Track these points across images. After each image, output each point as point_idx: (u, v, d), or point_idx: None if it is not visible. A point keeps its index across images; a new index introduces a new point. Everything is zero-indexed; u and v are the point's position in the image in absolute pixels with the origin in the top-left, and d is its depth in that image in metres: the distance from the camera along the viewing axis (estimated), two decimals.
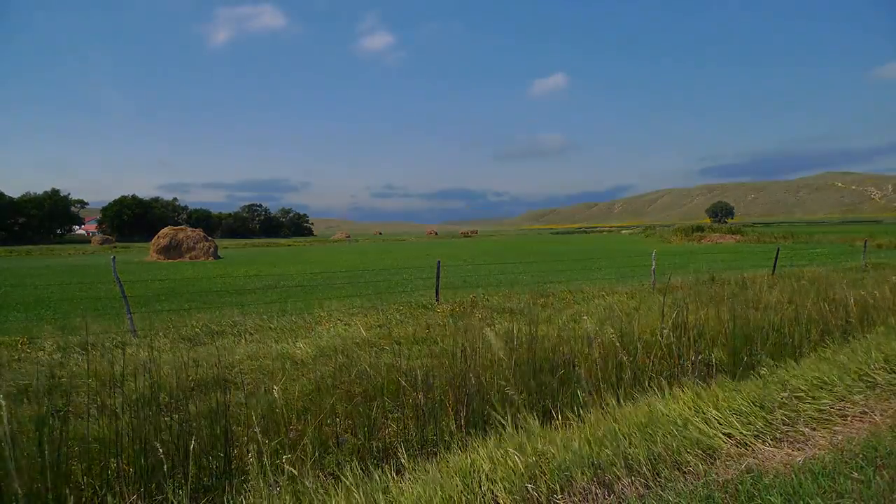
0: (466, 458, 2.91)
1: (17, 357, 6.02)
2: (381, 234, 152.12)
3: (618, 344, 4.43)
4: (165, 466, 2.76)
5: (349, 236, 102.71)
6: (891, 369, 4.15)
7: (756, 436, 3.18)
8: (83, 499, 2.69)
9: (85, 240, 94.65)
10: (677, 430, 3.14)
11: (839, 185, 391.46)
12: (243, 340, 6.64)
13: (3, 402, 2.50)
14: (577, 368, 4.14)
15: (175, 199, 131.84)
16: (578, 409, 3.58)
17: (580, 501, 2.54)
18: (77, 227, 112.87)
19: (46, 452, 2.56)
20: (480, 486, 2.61)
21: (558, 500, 2.55)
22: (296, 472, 2.71)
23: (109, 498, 2.62)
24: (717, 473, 2.74)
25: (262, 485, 2.60)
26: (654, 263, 12.73)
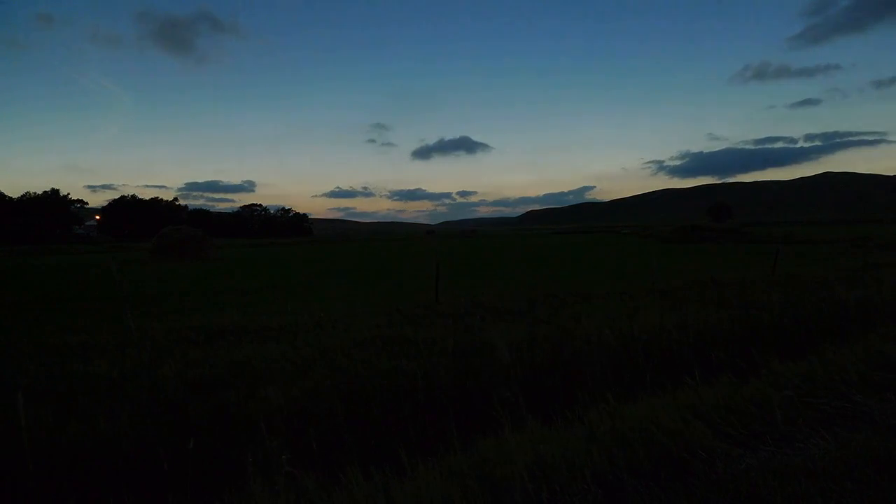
0: (467, 458, 2.91)
1: (17, 357, 6.02)
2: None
3: (619, 344, 4.43)
4: (165, 467, 2.76)
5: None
6: (890, 369, 4.15)
7: (756, 436, 3.18)
8: (83, 499, 2.69)
9: (84, 239, 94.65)
10: (678, 431, 3.14)
11: (839, 184, 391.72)
12: (243, 341, 6.63)
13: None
14: (577, 368, 4.14)
15: (175, 198, 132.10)
16: (579, 410, 3.58)
17: (580, 502, 2.54)
18: (77, 226, 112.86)
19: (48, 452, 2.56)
20: (481, 487, 2.61)
21: (558, 500, 2.55)
22: (296, 473, 2.71)
23: (111, 499, 2.62)
24: (717, 474, 2.74)
25: (261, 485, 2.59)
26: (654, 263, 12.73)
